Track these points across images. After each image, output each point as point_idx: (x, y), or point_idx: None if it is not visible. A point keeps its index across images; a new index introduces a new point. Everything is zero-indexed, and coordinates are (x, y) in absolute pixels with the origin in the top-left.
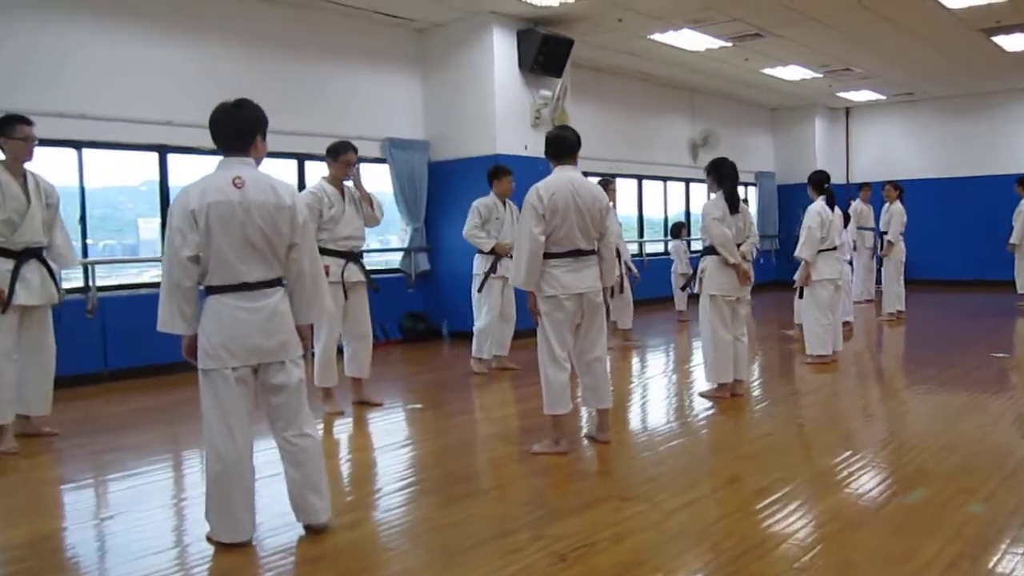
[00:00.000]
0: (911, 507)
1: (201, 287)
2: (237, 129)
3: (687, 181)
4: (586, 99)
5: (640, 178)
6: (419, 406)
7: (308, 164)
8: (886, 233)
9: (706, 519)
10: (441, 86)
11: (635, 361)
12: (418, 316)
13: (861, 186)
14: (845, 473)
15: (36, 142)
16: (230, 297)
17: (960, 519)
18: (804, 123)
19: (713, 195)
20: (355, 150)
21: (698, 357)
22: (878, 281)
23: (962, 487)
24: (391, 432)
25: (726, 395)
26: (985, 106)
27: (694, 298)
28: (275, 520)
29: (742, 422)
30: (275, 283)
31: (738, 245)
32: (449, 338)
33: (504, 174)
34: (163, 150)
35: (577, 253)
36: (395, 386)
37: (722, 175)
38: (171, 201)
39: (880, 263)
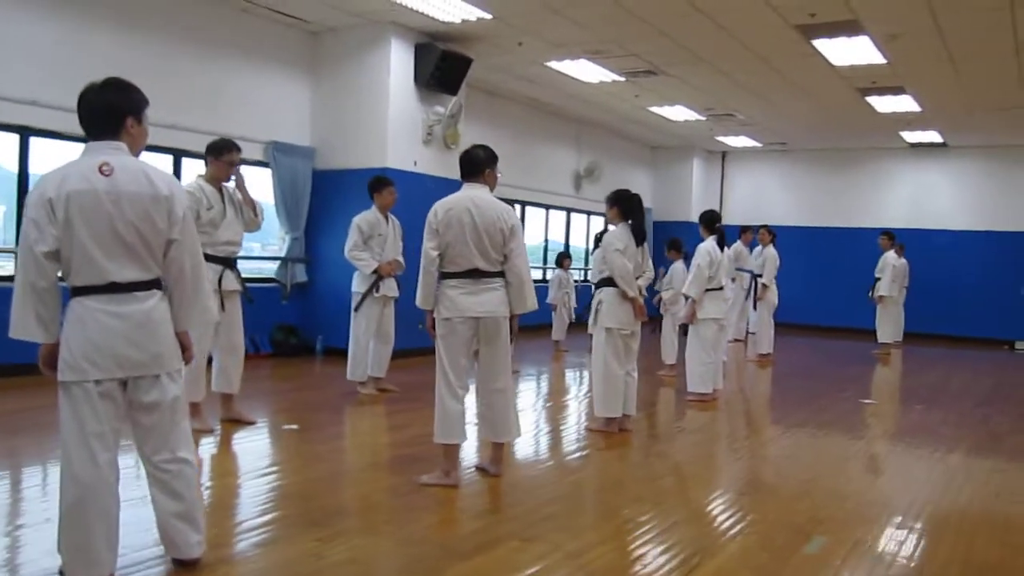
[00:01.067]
0: (814, 557)
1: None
2: (105, 110)
3: (568, 211)
4: (476, 121)
5: (524, 204)
6: (294, 427)
7: (185, 160)
8: (760, 276)
9: (613, 564)
10: (332, 93)
11: (518, 391)
12: (291, 329)
13: (742, 229)
14: (740, 518)
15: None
16: (95, 300)
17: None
18: (682, 163)
19: (613, 227)
20: (239, 150)
21: (579, 389)
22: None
23: (858, 536)
24: (264, 455)
25: (614, 429)
26: (852, 161)
27: (574, 328)
28: (139, 552)
29: (633, 459)
30: (149, 285)
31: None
32: (323, 354)
33: (385, 185)
34: (24, 132)
35: (476, 274)
36: (267, 403)
37: (631, 207)
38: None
39: (755, 305)
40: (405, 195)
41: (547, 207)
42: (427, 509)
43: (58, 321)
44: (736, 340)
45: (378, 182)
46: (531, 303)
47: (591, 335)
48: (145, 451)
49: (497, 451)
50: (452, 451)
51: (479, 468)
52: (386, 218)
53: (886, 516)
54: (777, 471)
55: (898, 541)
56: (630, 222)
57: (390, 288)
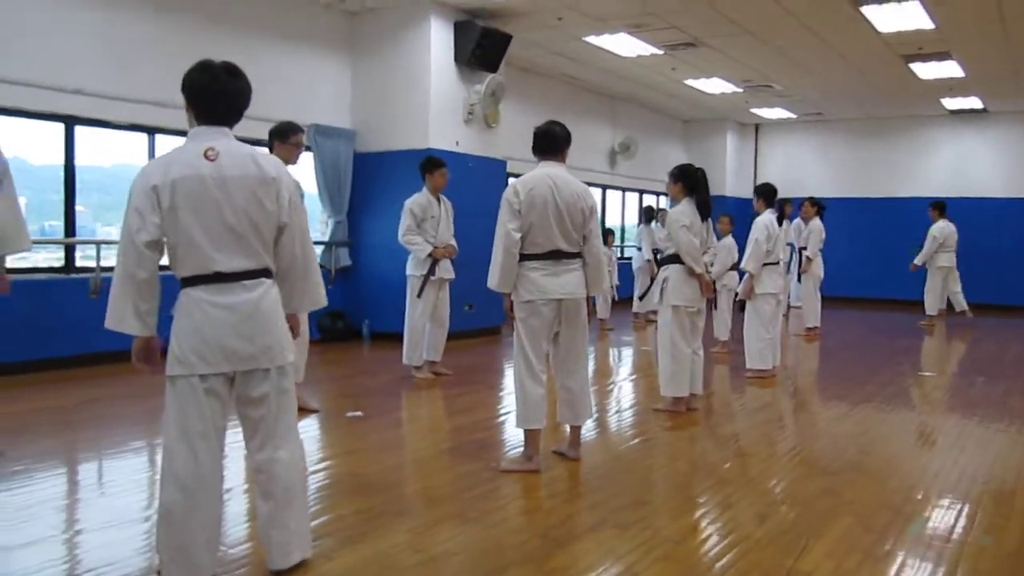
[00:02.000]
0: (922, 539)
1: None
2: (234, 96)
3: (604, 187)
4: (511, 98)
5: None
6: (359, 414)
7: None
8: (804, 249)
9: (718, 550)
10: (372, 74)
11: None
12: (337, 314)
13: (781, 202)
14: (834, 499)
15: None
16: (202, 290)
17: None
18: (716, 136)
19: (676, 203)
20: (303, 131)
21: (630, 368)
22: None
23: (957, 515)
24: (334, 443)
25: (682, 409)
26: (889, 130)
27: (618, 305)
28: (233, 550)
29: (705, 440)
30: (258, 274)
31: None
32: (370, 339)
33: (437, 166)
34: (70, 121)
35: (557, 255)
36: (325, 390)
37: (695, 182)
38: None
39: (799, 278)
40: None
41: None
42: (514, 496)
43: (155, 314)
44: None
45: (430, 163)
46: (605, 284)
47: (639, 314)
48: (251, 447)
49: (575, 434)
50: (534, 436)
51: (556, 452)
52: (438, 200)
53: (978, 493)
54: (858, 448)
55: (1003, 517)
56: (694, 197)
57: (446, 271)
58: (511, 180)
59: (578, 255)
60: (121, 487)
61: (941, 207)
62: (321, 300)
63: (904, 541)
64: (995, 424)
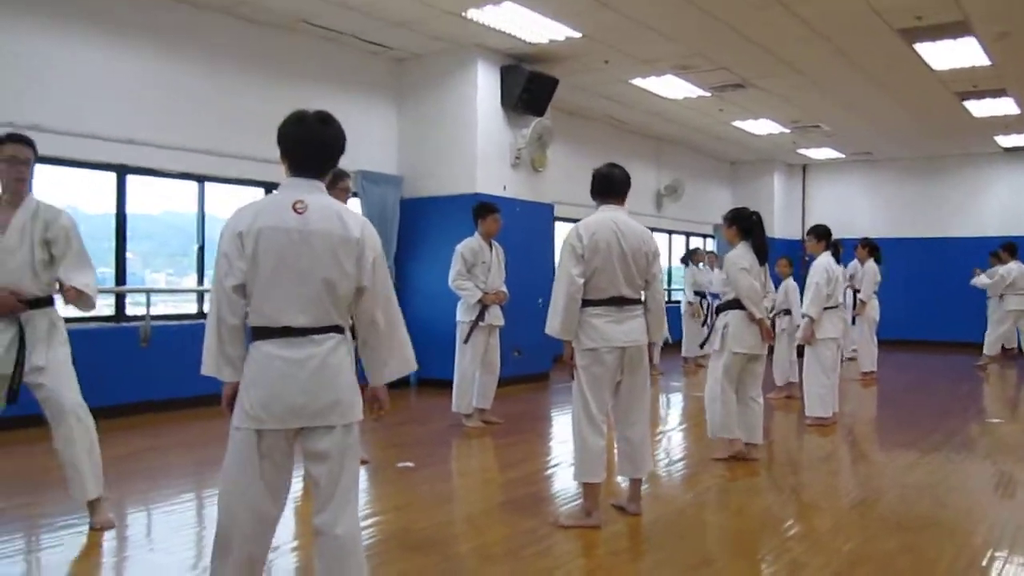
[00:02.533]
0: None
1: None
2: (326, 147)
3: (651, 230)
4: (558, 142)
5: None
6: (409, 464)
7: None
8: (859, 291)
9: None
10: (418, 119)
11: None
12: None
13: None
14: (916, 557)
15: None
16: (270, 344)
17: None
18: (763, 178)
19: (732, 248)
20: (350, 176)
21: (686, 415)
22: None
23: None
24: (386, 496)
25: (739, 448)
26: (941, 169)
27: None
28: None
29: (769, 492)
30: (327, 330)
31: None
32: (416, 385)
33: (490, 212)
34: (122, 170)
35: (620, 301)
36: (374, 439)
37: (751, 225)
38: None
39: (852, 321)
40: None
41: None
42: (574, 554)
43: (243, 359)
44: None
45: (483, 208)
46: (665, 330)
47: (688, 359)
48: (315, 508)
49: (635, 487)
50: (594, 490)
51: (616, 506)
52: (490, 245)
53: None
54: (933, 500)
55: None
56: (751, 241)
57: (496, 317)
58: (574, 224)
59: (639, 301)
60: (169, 543)
61: (1012, 249)
62: (409, 365)
63: None
64: None
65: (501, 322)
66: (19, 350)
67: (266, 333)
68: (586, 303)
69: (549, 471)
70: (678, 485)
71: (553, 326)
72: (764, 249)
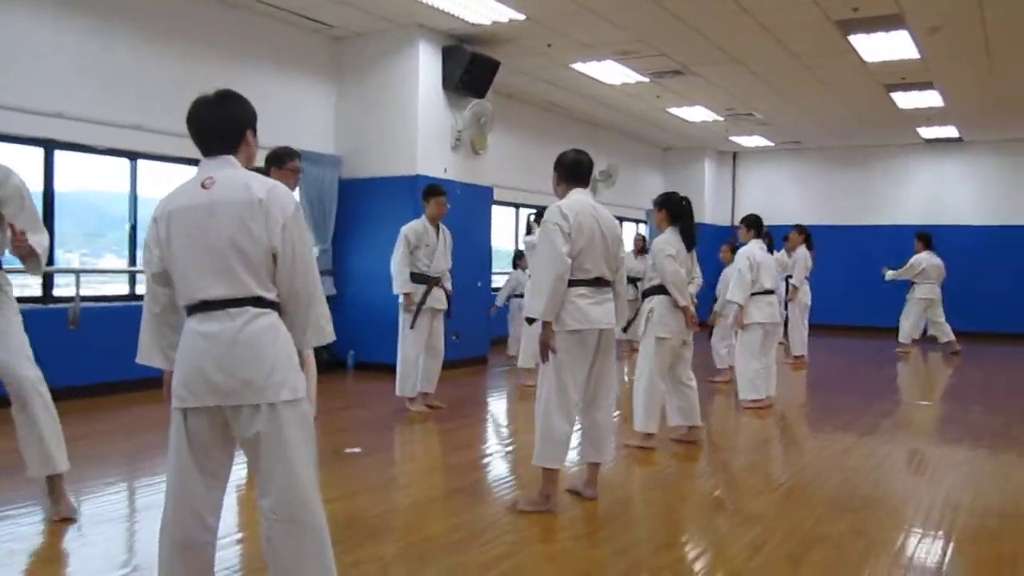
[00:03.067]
0: None
1: None
2: (225, 124)
3: None
4: (496, 125)
5: (541, 209)
6: (357, 450)
7: None
8: (790, 277)
9: None
10: (358, 99)
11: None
12: (323, 345)
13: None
14: (869, 542)
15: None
16: (192, 320)
17: None
18: (694, 164)
19: (663, 232)
20: (300, 156)
21: (624, 398)
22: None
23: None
24: (338, 483)
25: (653, 445)
26: (866, 158)
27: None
28: None
29: (721, 475)
30: (244, 302)
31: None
32: (354, 369)
33: (435, 194)
34: (50, 145)
35: (601, 282)
36: (318, 426)
37: (680, 210)
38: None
39: (784, 307)
40: None
41: None
42: (536, 539)
43: (175, 347)
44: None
45: (428, 190)
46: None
47: (621, 343)
48: (259, 494)
49: (594, 472)
50: (554, 475)
51: (571, 491)
52: (437, 228)
53: (1008, 525)
54: (874, 484)
55: None
56: (679, 226)
57: (437, 300)
58: (554, 204)
59: (611, 284)
60: (106, 534)
61: (926, 239)
62: (326, 336)
63: None
64: (1005, 454)
65: (443, 306)
66: None
67: (189, 311)
68: (571, 283)
69: (497, 456)
70: (624, 470)
71: (538, 307)
72: (692, 235)
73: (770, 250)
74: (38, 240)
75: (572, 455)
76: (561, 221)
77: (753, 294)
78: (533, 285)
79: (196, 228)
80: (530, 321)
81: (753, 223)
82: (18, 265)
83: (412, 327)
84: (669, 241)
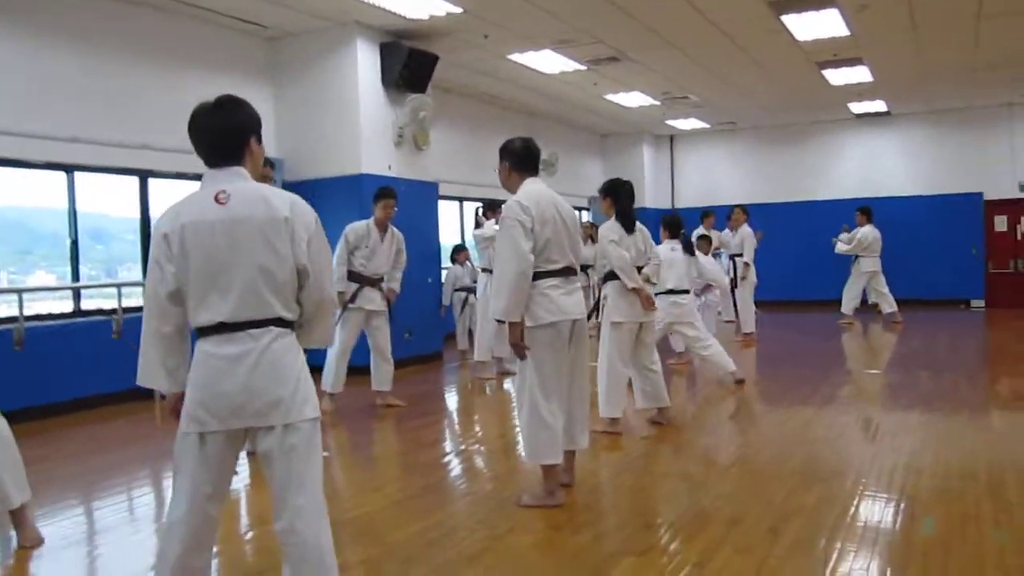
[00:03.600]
0: (934, 538)
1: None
2: (224, 133)
3: None
4: (437, 120)
5: (483, 201)
6: (325, 453)
7: (152, 181)
8: (739, 256)
9: (745, 570)
10: (297, 100)
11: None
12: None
13: (703, 214)
14: (843, 510)
15: None
16: (209, 342)
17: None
18: (632, 149)
19: (608, 219)
20: (273, 165)
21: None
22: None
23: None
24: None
25: (618, 430)
26: (799, 136)
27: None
28: None
29: (692, 453)
30: (266, 323)
31: (639, 268)
32: None
33: (381, 197)
34: None
35: (569, 271)
36: None
37: (617, 195)
38: None
39: (735, 284)
40: None
41: (504, 203)
42: (519, 530)
43: (185, 368)
44: (729, 321)
45: (376, 193)
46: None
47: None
48: (274, 512)
49: (571, 459)
50: (554, 470)
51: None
52: (385, 230)
53: (973, 486)
54: (837, 454)
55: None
56: (617, 210)
57: (369, 301)
58: (512, 198)
59: (577, 272)
60: (66, 559)
61: (868, 212)
62: (329, 340)
63: (922, 542)
64: (958, 416)
65: (377, 307)
66: None
67: (204, 332)
68: (539, 275)
69: (463, 452)
70: (593, 456)
71: (499, 307)
72: (628, 216)
73: (688, 251)
74: None
75: None
76: (523, 216)
77: (657, 294)
78: (496, 285)
79: (215, 247)
80: (500, 322)
81: (668, 223)
82: None
83: (336, 324)
84: (612, 228)
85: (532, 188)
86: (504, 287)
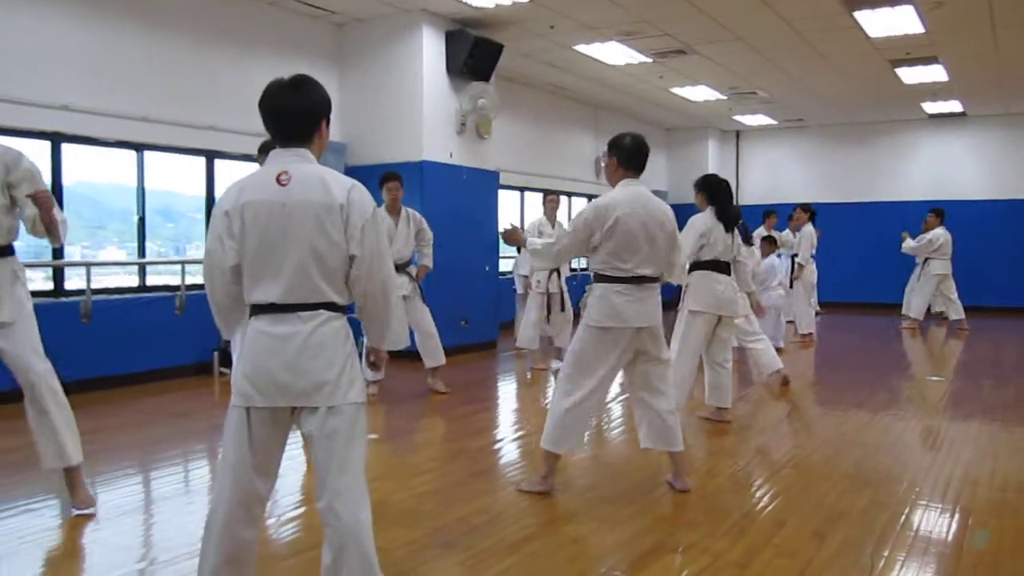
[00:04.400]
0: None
1: None
2: (297, 113)
3: (589, 197)
4: (498, 109)
5: (546, 192)
6: (374, 436)
7: (218, 162)
8: (796, 256)
9: (787, 572)
10: (362, 86)
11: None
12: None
13: (766, 214)
14: (895, 517)
15: None
16: (260, 320)
17: None
18: (698, 144)
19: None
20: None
21: None
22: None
23: None
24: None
25: (728, 419)
26: (869, 135)
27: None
28: None
29: (741, 452)
30: (316, 307)
31: (727, 264)
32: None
33: (385, 180)
34: (57, 138)
35: (644, 280)
36: None
37: (713, 192)
38: None
39: (790, 285)
40: (442, 187)
41: (569, 194)
42: (560, 521)
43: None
44: (789, 322)
45: (380, 179)
46: None
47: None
48: (317, 492)
49: (677, 462)
50: (553, 459)
51: (669, 483)
52: (399, 213)
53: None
54: (894, 458)
55: None
56: (715, 207)
57: (400, 286)
58: (597, 200)
59: (658, 279)
60: (120, 527)
61: (941, 214)
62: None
63: (973, 555)
64: (1018, 428)
65: (404, 291)
66: None
67: (256, 310)
68: (605, 278)
69: (511, 440)
70: (645, 450)
71: (532, 246)
72: (729, 215)
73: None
74: (57, 210)
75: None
76: (592, 220)
77: None
78: (536, 247)
79: (272, 227)
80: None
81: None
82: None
83: None
84: (703, 220)
85: (622, 192)
86: (534, 254)
